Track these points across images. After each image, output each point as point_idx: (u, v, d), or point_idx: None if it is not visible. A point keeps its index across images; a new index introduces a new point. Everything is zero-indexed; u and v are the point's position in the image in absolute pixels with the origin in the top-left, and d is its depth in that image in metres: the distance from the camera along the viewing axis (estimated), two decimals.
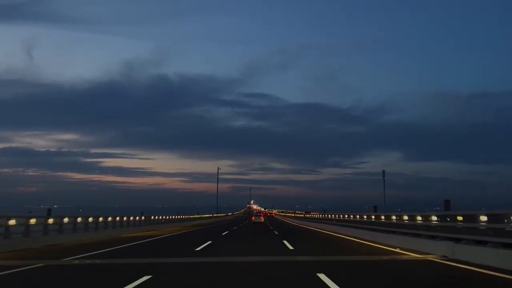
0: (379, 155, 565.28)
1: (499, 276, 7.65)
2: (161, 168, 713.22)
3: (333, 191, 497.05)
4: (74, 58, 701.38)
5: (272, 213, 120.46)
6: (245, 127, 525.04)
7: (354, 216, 24.42)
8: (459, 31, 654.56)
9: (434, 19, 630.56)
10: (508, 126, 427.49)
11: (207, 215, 64.49)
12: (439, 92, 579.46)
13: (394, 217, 16.92)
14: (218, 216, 73.74)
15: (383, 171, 30.25)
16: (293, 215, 79.66)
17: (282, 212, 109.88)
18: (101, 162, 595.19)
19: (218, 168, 73.39)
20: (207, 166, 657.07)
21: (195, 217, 52.46)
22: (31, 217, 14.75)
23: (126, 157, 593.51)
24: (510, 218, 9.32)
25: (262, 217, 53.27)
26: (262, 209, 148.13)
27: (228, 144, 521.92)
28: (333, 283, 6.88)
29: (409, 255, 11.72)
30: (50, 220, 15.54)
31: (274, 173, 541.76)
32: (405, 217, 15.50)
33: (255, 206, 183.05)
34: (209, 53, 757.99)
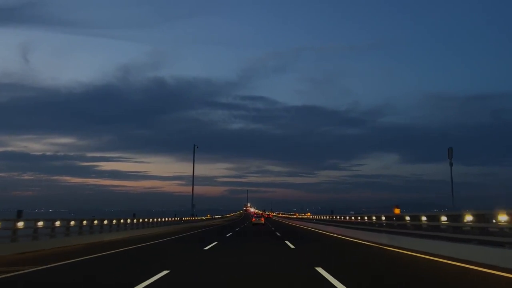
0: (376, 157, 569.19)
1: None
2: (157, 171, 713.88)
3: (330, 193, 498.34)
4: (71, 62, 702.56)
5: (269, 215, 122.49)
6: (242, 129, 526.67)
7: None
8: (455, 34, 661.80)
9: (430, 22, 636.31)
10: (505, 128, 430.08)
11: (164, 220, 34.97)
12: (435, 95, 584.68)
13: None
14: (196, 219, 51.62)
15: (450, 149, 20.01)
16: (289, 216, 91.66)
17: (286, 214, 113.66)
18: (97, 165, 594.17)
19: (194, 146, 53.25)
20: (203, 169, 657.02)
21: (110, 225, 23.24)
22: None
23: (122, 161, 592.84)
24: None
25: (262, 219, 54.78)
26: (259, 212, 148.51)
27: (225, 147, 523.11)
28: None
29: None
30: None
31: (271, 176, 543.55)
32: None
33: (252, 209, 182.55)
34: (206, 56, 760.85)
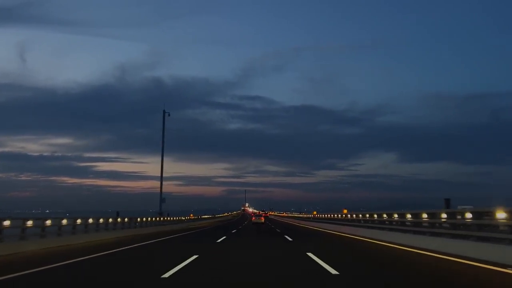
0: (374, 156, 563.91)
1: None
2: (155, 171, 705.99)
3: (328, 193, 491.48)
4: (68, 62, 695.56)
5: (267, 214, 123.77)
6: (240, 129, 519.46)
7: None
8: (454, 33, 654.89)
9: (429, 21, 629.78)
10: (504, 127, 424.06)
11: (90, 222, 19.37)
12: (434, 94, 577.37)
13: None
14: (166, 221, 35.46)
15: None
16: (286, 215, 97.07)
17: (284, 214, 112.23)
18: (95, 166, 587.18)
19: (164, 112, 39.97)
20: (202, 169, 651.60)
21: None
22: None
23: (120, 161, 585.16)
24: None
25: (262, 218, 55.71)
26: (256, 211, 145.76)
27: (222, 147, 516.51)
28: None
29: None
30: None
31: (269, 176, 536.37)
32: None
33: (250, 209, 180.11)
34: (204, 55, 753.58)
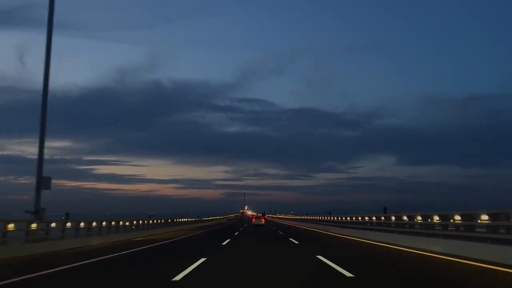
0: (373, 159, 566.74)
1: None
2: (154, 174, 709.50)
3: (327, 196, 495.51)
4: (67, 65, 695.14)
5: (266, 216, 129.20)
6: (239, 132, 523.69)
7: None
8: (452, 35, 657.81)
9: (427, 24, 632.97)
10: (502, 129, 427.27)
11: None
12: (433, 96, 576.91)
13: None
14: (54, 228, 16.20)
15: None
16: (283, 217, 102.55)
17: (291, 216, 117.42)
18: (94, 169, 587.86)
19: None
20: (200, 172, 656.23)
21: None
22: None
23: (119, 164, 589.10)
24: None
25: (262, 220, 58.15)
26: (255, 214, 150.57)
27: (221, 150, 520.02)
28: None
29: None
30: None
31: (268, 179, 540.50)
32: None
33: (249, 212, 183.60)
34: (203, 58, 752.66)
